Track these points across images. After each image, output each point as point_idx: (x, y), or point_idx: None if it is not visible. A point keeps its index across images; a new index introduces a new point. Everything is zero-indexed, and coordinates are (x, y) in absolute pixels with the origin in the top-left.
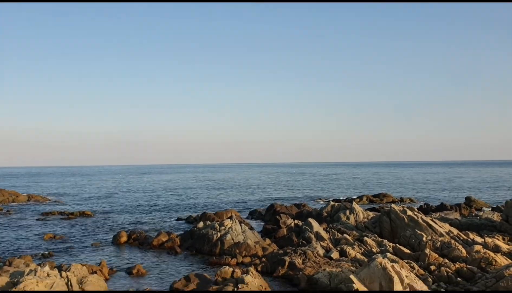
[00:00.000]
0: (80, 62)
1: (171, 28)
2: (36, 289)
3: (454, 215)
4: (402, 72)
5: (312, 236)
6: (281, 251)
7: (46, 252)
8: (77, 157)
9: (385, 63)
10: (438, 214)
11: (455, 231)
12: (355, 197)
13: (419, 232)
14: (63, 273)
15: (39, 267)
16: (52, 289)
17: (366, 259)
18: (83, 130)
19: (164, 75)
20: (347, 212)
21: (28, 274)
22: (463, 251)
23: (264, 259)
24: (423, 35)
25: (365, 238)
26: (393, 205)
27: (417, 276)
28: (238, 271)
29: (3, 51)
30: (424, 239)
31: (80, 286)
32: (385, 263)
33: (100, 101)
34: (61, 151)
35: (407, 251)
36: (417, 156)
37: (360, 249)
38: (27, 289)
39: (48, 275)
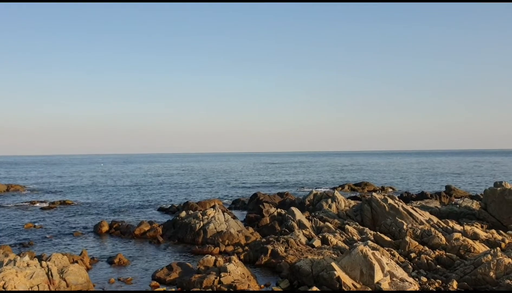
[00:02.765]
0: (64, 48)
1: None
2: (16, 279)
3: (434, 203)
4: (382, 58)
5: (295, 225)
6: (264, 240)
7: (26, 242)
8: (57, 146)
9: (370, 50)
10: (418, 202)
11: (435, 219)
12: (337, 186)
13: (399, 220)
14: (43, 263)
15: (19, 257)
16: (32, 279)
17: (347, 247)
18: (64, 118)
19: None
20: (329, 200)
21: (7, 264)
22: (443, 238)
23: (247, 248)
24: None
25: (347, 226)
26: (374, 194)
27: (397, 263)
28: (220, 260)
29: None
30: (404, 227)
31: (61, 275)
32: (366, 251)
33: (83, 89)
34: (42, 139)
35: (388, 238)
36: (398, 145)
37: (342, 237)
38: (5, 279)
39: (28, 265)
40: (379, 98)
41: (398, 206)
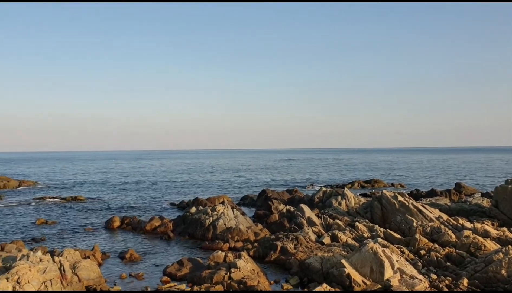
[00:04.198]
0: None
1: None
2: (29, 274)
3: (444, 201)
4: (387, 57)
5: (304, 222)
6: (273, 236)
7: (38, 237)
8: (69, 142)
9: (371, 50)
10: (428, 199)
11: (445, 217)
12: (346, 183)
13: (409, 217)
14: (56, 258)
15: (32, 252)
16: (45, 274)
17: (357, 244)
18: (75, 115)
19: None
20: (339, 197)
21: (20, 259)
22: (453, 236)
23: (256, 244)
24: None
25: (357, 223)
26: (384, 191)
27: (407, 260)
28: (230, 256)
29: None
30: (414, 224)
31: (73, 270)
32: (376, 248)
33: (95, 85)
34: (53, 136)
35: (398, 236)
36: (409, 142)
37: (352, 234)
38: (19, 273)
39: (40, 260)
40: (389, 95)
41: (408, 203)
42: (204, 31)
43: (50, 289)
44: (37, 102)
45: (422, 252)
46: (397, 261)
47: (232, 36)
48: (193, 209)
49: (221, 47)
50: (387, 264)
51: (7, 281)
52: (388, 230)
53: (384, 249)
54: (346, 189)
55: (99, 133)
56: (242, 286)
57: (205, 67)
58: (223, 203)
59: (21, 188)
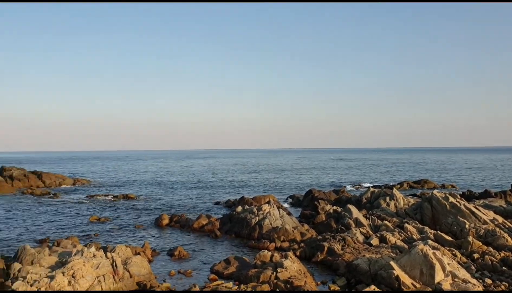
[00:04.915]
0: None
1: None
2: (83, 269)
3: (499, 202)
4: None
5: (352, 222)
6: (319, 237)
7: (92, 233)
8: (121, 142)
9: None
10: (481, 201)
11: (500, 219)
12: (395, 183)
13: (461, 219)
14: (108, 254)
15: (86, 248)
16: (98, 269)
17: (406, 246)
18: (127, 116)
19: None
20: (387, 198)
21: (75, 255)
22: (509, 239)
23: (302, 244)
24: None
25: (406, 224)
26: (434, 191)
27: (459, 264)
28: (277, 255)
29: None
30: (466, 226)
31: (125, 266)
32: (426, 250)
33: (148, 87)
34: (106, 136)
35: (449, 238)
36: (461, 142)
37: (401, 236)
38: (74, 268)
39: (94, 255)
40: (436, 93)
41: (460, 204)
42: (242, 34)
43: (103, 283)
44: (90, 105)
45: (476, 255)
46: (448, 264)
47: (268, 37)
48: (239, 208)
49: (251, 47)
50: (438, 266)
51: (63, 275)
52: (438, 232)
53: (435, 251)
54: (394, 189)
55: (148, 135)
56: (288, 286)
57: (235, 67)
58: (269, 202)
59: (75, 186)
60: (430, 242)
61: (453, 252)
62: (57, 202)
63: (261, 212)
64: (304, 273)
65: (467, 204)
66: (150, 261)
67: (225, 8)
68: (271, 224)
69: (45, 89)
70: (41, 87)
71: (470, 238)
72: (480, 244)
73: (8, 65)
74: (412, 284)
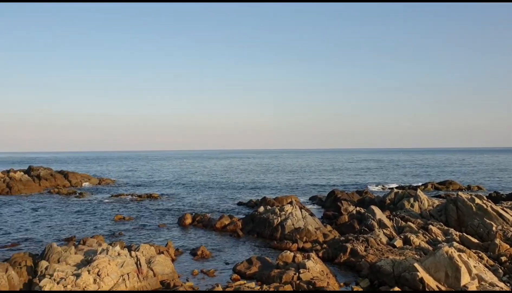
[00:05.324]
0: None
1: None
2: (108, 267)
3: None
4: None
5: (375, 224)
6: (342, 238)
7: (116, 232)
8: (144, 142)
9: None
10: (509, 203)
11: None
12: (419, 184)
13: (488, 221)
14: (133, 253)
15: (111, 247)
16: (122, 268)
17: (431, 248)
18: (151, 116)
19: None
20: (411, 199)
21: (100, 253)
22: None
23: (325, 245)
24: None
25: (430, 226)
26: (460, 193)
27: (486, 266)
28: (299, 256)
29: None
30: (494, 228)
31: (149, 265)
32: (451, 252)
33: (172, 88)
34: (130, 136)
35: (475, 240)
36: (487, 142)
37: (425, 238)
38: (99, 266)
39: (118, 254)
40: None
41: (487, 206)
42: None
43: (127, 282)
44: (118, 105)
45: (503, 258)
46: (474, 266)
47: (290, 38)
48: (261, 209)
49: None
50: (463, 269)
51: (89, 273)
52: (464, 234)
53: (460, 253)
54: (419, 190)
55: (171, 134)
56: (311, 286)
57: (250, 67)
58: (291, 203)
59: (100, 185)
60: (455, 244)
61: (480, 255)
62: (82, 201)
63: (284, 212)
64: (326, 274)
65: (494, 206)
66: (173, 260)
67: (240, 9)
68: (293, 224)
69: (78, 91)
70: (74, 88)
71: (497, 241)
72: (508, 246)
73: (48, 65)
74: (437, 286)
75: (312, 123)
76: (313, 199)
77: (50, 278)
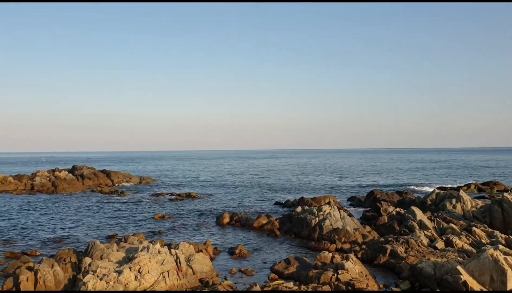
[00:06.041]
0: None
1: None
2: (149, 264)
3: None
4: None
5: (415, 225)
6: (382, 239)
7: (157, 231)
8: (184, 142)
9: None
10: None
11: None
12: (462, 185)
13: None
14: (172, 251)
15: (151, 244)
16: (163, 265)
17: (474, 250)
18: (188, 117)
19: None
20: (454, 200)
21: (141, 251)
22: None
23: (364, 246)
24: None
25: (474, 228)
26: (505, 194)
27: None
28: (337, 257)
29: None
30: None
31: (188, 263)
32: (497, 255)
33: (206, 89)
34: (170, 136)
35: None
36: None
37: (468, 240)
38: (141, 264)
39: (159, 252)
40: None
41: None
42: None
43: (167, 279)
44: (159, 107)
45: None
46: None
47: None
48: (299, 209)
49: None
50: (510, 273)
51: (130, 270)
52: (510, 236)
53: (506, 256)
54: (461, 191)
55: (209, 134)
56: (350, 288)
57: (279, 66)
58: (329, 203)
59: (141, 184)
60: (500, 247)
61: None
62: (124, 199)
63: (321, 212)
64: (365, 276)
65: None
66: (211, 259)
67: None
68: (331, 225)
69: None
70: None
71: None
72: None
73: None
74: (481, 290)
75: (345, 122)
76: (352, 200)
77: (93, 274)
